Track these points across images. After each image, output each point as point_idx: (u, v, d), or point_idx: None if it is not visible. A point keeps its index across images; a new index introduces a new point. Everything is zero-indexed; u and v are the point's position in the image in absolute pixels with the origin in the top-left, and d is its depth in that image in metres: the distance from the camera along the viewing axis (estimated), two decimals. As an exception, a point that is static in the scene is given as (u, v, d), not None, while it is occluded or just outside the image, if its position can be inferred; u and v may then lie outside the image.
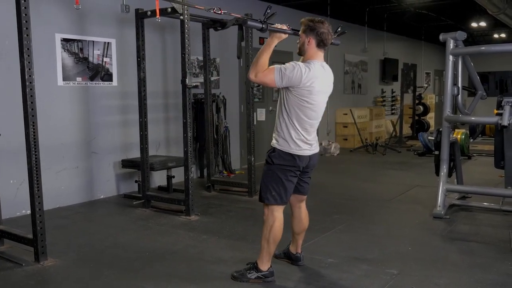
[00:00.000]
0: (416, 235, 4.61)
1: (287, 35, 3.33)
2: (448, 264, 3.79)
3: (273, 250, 3.43)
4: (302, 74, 3.14)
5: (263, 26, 3.25)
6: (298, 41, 3.34)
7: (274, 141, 3.37)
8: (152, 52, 6.55)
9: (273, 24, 3.30)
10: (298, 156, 3.31)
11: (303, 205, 3.65)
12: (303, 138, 3.30)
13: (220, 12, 3.46)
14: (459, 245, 4.31)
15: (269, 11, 3.23)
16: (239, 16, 3.55)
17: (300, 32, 3.33)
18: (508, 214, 5.20)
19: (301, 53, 3.35)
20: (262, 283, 3.40)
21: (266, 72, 3.19)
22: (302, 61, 3.31)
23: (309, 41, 3.26)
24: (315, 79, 3.19)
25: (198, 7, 3.68)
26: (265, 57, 3.22)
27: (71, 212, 5.53)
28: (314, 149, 3.42)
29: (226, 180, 7.04)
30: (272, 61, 3.20)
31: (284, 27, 3.32)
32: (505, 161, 5.36)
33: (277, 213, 3.37)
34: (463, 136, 8.46)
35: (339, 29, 3.88)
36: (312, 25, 3.26)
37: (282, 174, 3.33)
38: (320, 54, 3.31)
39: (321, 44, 3.27)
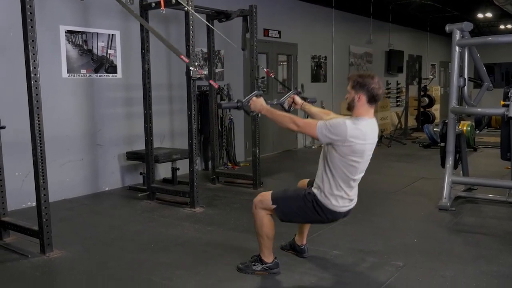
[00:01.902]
0: (422, 227, 4.60)
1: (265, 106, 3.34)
2: (453, 256, 3.78)
3: (271, 243, 3.39)
4: (346, 133, 3.00)
5: (238, 105, 3.30)
6: (346, 97, 3.17)
7: (316, 190, 3.23)
8: (157, 44, 6.50)
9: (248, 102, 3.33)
10: (337, 212, 3.23)
11: None
12: (344, 195, 3.20)
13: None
14: (464, 237, 4.30)
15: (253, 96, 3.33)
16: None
17: (348, 88, 3.16)
18: (514, 206, 5.18)
19: (350, 109, 3.17)
20: (267, 274, 3.40)
21: (307, 124, 3.13)
22: (351, 117, 3.15)
23: (359, 98, 3.08)
24: (363, 138, 3.06)
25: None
26: (276, 113, 3.23)
27: (76, 204, 5.54)
28: (353, 203, 3.32)
29: (231, 172, 7.03)
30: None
31: (260, 102, 3.31)
32: (511, 153, 5.33)
33: (268, 215, 3.32)
34: (469, 128, 8.43)
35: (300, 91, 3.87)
36: (362, 81, 3.08)
37: (310, 213, 3.23)
38: (371, 111, 3.15)
39: (372, 100, 3.10)
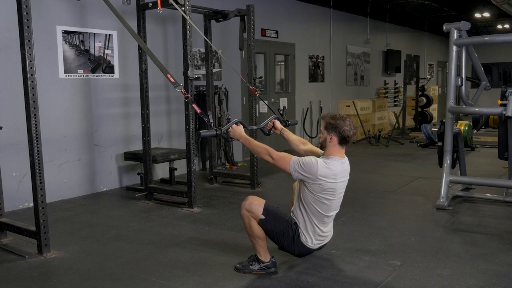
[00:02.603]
0: (419, 226, 4.60)
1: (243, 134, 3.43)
2: (451, 255, 3.79)
3: (264, 242, 3.41)
4: (317, 171, 3.14)
5: (217, 132, 3.38)
6: (319, 136, 3.35)
7: (295, 219, 3.37)
8: (154, 44, 6.53)
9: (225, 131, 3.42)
10: (309, 248, 3.39)
11: None
12: (319, 232, 3.34)
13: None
14: (462, 236, 4.30)
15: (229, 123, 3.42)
16: (198, 110, 3.58)
17: (321, 128, 3.34)
18: (511, 205, 5.19)
19: (322, 148, 3.36)
20: (265, 274, 3.40)
21: (281, 158, 3.25)
22: (323, 156, 3.31)
23: (331, 139, 3.24)
24: (333, 177, 3.20)
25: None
26: (254, 144, 3.37)
27: (74, 204, 5.53)
28: (326, 240, 3.47)
29: (229, 172, 7.03)
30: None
31: (239, 130, 3.41)
32: (508, 152, 5.33)
33: (254, 220, 3.37)
34: (466, 128, 8.45)
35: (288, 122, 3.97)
36: (334, 123, 3.23)
37: (286, 241, 3.36)
38: (342, 151, 3.29)
39: (343, 141, 3.25)
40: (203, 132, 3.35)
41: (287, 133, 3.85)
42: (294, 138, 3.83)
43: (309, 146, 3.68)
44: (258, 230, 3.36)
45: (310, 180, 3.19)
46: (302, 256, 3.53)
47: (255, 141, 3.41)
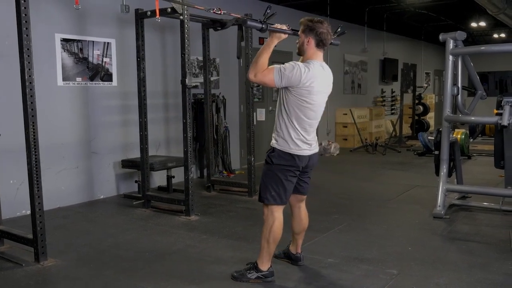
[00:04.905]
0: (416, 235, 4.61)
1: (286, 35, 3.33)
2: (448, 264, 3.79)
3: (273, 250, 3.43)
4: (301, 74, 3.14)
5: (263, 26, 3.25)
6: (297, 41, 3.33)
7: (273, 141, 3.37)
8: (152, 52, 6.55)
9: (272, 24, 3.30)
10: (298, 156, 3.31)
11: (303, 205, 3.65)
12: (302, 138, 3.30)
13: (220, 12, 3.47)
14: (459, 245, 4.32)
15: (269, 11, 3.24)
16: (238, 16, 3.53)
17: (299, 32, 3.32)
18: (508, 214, 5.20)
19: (301, 53, 3.35)
20: (262, 283, 3.40)
21: (265, 72, 3.19)
22: (302, 61, 3.30)
23: (308, 41, 3.26)
24: (314, 79, 3.18)
25: (198, 7, 3.69)
26: (265, 57, 3.22)
27: (71, 212, 5.53)
28: (314, 149, 3.41)
29: (226, 180, 7.04)
30: (272, 61, 3.21)
31: (284, 27, 3.32)
32: (505, 161, 5.36)
33: (277, 213, 3.36)
34: (463, 136, 8.45)
35: (339, 29, 3.87)
36: (311, 25, 3.25)
37: (281, 174, 3.32)
38: (320, 54, 3.31)
39: (320, 44, 3.27)
40: (250, 21, 3.26)
41: None
42: None
43: None
44: (278, 232, 3.36)
45: (293, 84, 3.16)
46: (304, 169, 3.41)
47: (268, 54, 3.23)
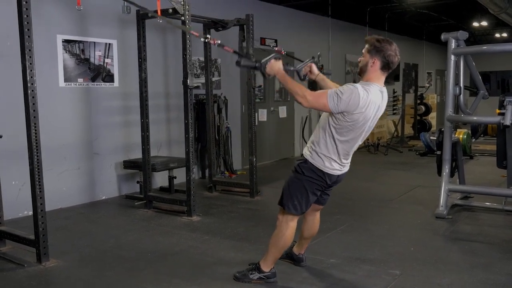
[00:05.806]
0: (418, 235, 4.61)
1: (282, 67, 3.18)
2: (450, 264, 3.79)
3: (280, 255, 3.42)
4: (359, 98, 2.91)
5: (256, 65, 3.16)
6: (359, 60, 3.10)
7: (307, 152, 3.21)
8: (154, 53, 6.55)
9: (269, 61, 3.16)
10: (329, 174, 3.20)
11: (318, 214, 3.63)
12: (339, 161, 3.18)
13: (213, 43, 3.39)
14: (461, 245, 4.31)
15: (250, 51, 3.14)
16: (231, 50, 3.36)
17: (363, 51, 3.08)
18: (511, 214, 5.19)
19: (361, 74, 3.10)
20: (264, 283, 3.40)
21: (317, 97, 3.00)
22: (360, 82, 3.07)
23: (373, 63, 3.01)
24: (371, 105, 2.98)
25: (194, 33, 3.61)
26: (289, 82, 3.08)
27: (73, 213, 5.53)
28: (345, 169, 3.29)
29: (228, 180, 7.04)
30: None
31: (278, 65, 3.15)
32: (507, 161, 5.35)
33: (292, 223, 3.32)
34: (465, 136, 8.45)
35: (319, 54, 3.70)
36: (379, 46, 3.00)
37: (308, 186, 3.22)
38: (382, 78, 3.08)
39: (386, 67, 3.03)
40: (243, 61, 3.14)
41: (323, 78, 3.48)
42: (332, 85, 3.43)
43: None
44: (289, 240, 3.33)
45: (350, 110, 2.93)
46: (331, 186, 3.31)
47: (291, 80, 3.10)
